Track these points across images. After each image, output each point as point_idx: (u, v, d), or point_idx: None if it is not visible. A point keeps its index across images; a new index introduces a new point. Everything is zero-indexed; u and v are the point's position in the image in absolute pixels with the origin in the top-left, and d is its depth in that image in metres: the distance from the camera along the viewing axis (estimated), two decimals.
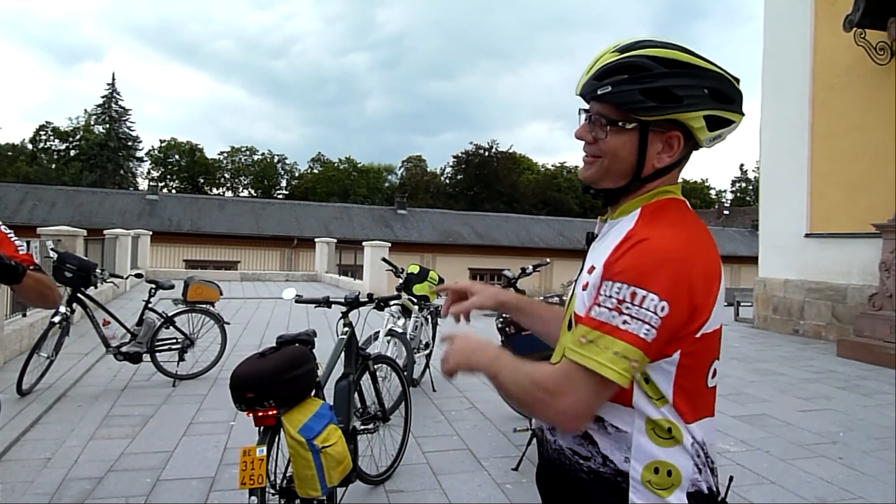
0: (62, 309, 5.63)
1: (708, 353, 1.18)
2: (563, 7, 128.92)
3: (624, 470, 1.17)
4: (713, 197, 72.58)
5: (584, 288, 1.20)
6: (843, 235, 9.71)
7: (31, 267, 1.95)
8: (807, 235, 10.39)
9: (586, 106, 1.27)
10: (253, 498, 2.42)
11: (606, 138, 1.21)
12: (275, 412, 2.52)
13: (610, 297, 1.10)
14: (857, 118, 9.56)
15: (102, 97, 55.75)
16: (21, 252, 2.01)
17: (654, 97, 1.16)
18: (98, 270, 5.91)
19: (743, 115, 1.23)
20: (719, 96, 1.19)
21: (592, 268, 1.20)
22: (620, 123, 1.20)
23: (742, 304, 13.24)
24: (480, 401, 5.68)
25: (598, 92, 1.20)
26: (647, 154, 1.21)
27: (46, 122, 55.96)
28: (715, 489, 1.21)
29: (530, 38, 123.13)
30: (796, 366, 7.75)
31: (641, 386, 1.15)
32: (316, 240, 22.98)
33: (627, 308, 1.08)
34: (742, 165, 45.50)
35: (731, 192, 72.48)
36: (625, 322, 1.07)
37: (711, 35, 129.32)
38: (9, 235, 2.04)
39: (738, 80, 1.23)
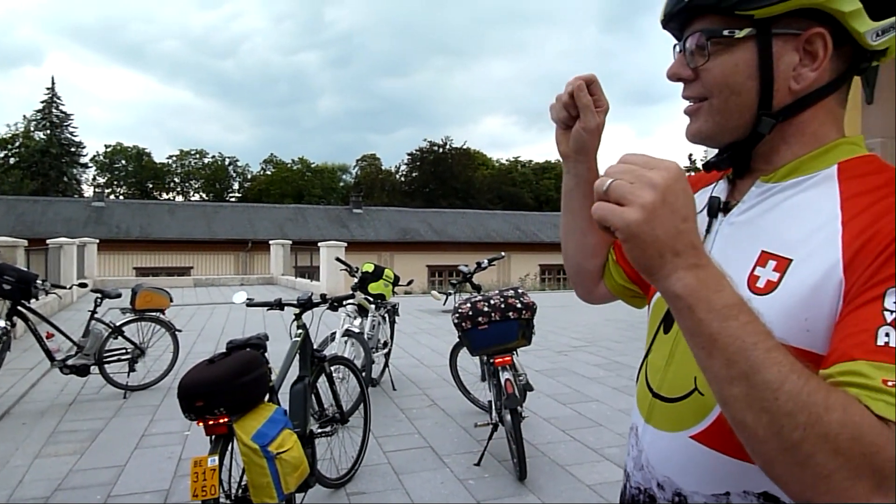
0: (1, 323, 5.40)
1: None
2: (514, 2, 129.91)
3: None
4: None
5: (768, 288, 0.78)
6: None
7: None
8: None
9: (676, 41, 0.92)
10: None
11: (709, 62, 0.83)
12: (226, 420, 2.45)
13: None
14: None
15: (42, 102, 53.78)
16: None
17: None
18: (39, 281, 5.68)
19: None
20: None
21: (779, 258, 0.79)
22: (727, 32, 0.81)
23: None
24: (441, 398, 5.65)
25: None
26: (777, 72, 0.81)
27: None
28: None
29: (482, 34, 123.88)
30: None
31: None
32: (271, 242, 22.64)
33: None
34: (691, 155, 46.54)
35: None
36: None
37: (657, 27, 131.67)
38: None
39: None
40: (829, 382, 0.66)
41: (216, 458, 2.39)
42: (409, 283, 6.92)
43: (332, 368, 3.84)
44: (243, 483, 2.61)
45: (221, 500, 2.46)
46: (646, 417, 0.94)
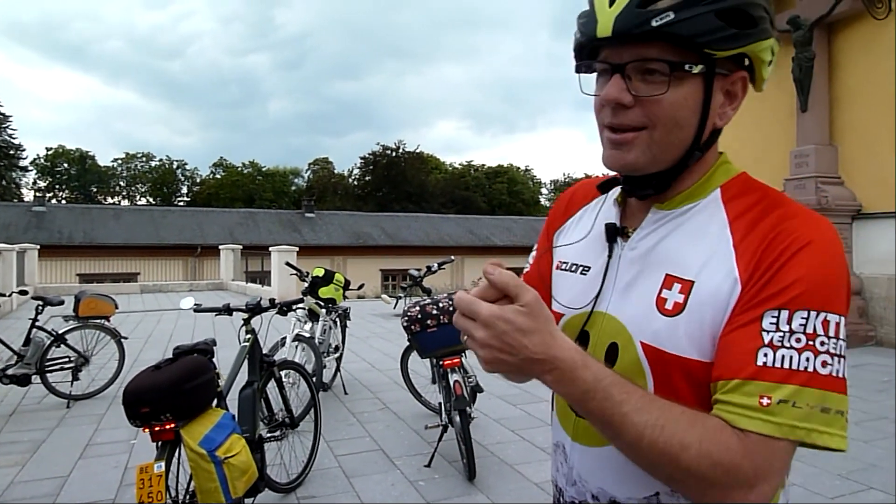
0: None
1: None
2: (467, 7, 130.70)
3: None
4: None
5: (675, 311, 0.84)
6: None
7: None
8: None
9: (589, 61, 0.91)
10: None
11: (666, 94, 0.83)
12: (172, 426, 2.44)
13: (794, 332, 0.76)
14: (738, 113, 10.17)
15: None
16: None
17: (732, 22, 0.82)
18: None
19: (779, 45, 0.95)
20: (772, 17, 0.88)
21: (682, 281, 0.85)
22: (688, 66, 0.82)
23: None
24: (392, 401, 5.69)
25: (655, 23, 0.80)
26: (711, 109, 0.86)
27: None
28: None
29: (435, 38, 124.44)
30: None
31: None
32: (220, 247, 22.27)
33: (824, 344, 0.76)
34: None
35: None
36: (824, 364, 0.75)
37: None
38: None
39: None
40: (715, 400, 0.78)
41: (162, 464, 2.39)
42: (360, 287, 6.94)
43: (283, 373, 3.84)
44: (191, 489, 2.60)
45: None
46: (572, 436, 0.99)
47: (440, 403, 4.26)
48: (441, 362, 4.05)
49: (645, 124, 0.84)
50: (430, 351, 4.07)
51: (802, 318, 0.76)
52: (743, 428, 0.73)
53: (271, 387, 3.68)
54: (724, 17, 0.81)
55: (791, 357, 0.75)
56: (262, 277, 19.12)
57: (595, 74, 0.91)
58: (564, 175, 78.13)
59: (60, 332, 5.90)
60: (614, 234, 0.95)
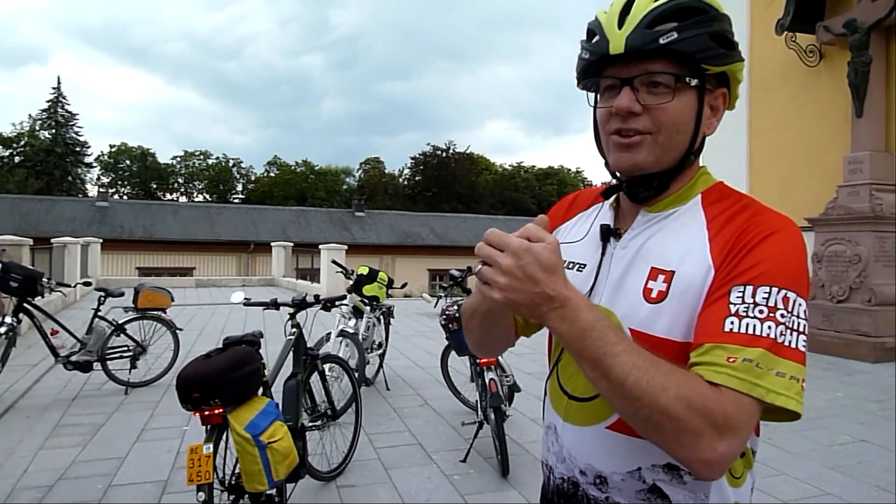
0: (8, 319, 5.57)
1: None
2: (518, 7, 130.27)
3: None
4: None
5: (659, 298, 0.96)
6: None
7: None
8: None
9: (595, 78, 1.05)
10: (201, 493, 2.51)
11: (670, 102, 0.96)
12: (220, 410, 2.62)
13: (757, 304, 0.86)
14: (791, 117, 10.00)
15: (48, 101, 54.12)
16: None
17: (721, 42, 0.98)
18: (44, 279, 5.86)
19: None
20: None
21: (665, 272, 0.97)
22: (688, 79, 0.97)
23: None
24: (432, 397, 5.82)
25: (663, 40, 0.94)
26: (703, 119, 1.01)
27: None
28: None
29: (487, 38, 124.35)
30: None
31: None
32: (272, 244, 22.83)
33: (784, 316, 0.86)
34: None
35: None
36: (783, 334, 0.85)
37: None
38: None
39: None
40: (690, 363, 0.88)
41: (211, 445, 2.57)
42: (403, 286, 7.09)
43: (326, 367, 4.01)
44: (236, 471, 2.78)
45: (216, 486, 2.63)
46: (563, 417, 1.10)
47: (477, 401, 4.37)
48: (478, 360, 4.16)
49: (651, 129, 0.98)
50: (467, 349, 4.17)
51: (765, 293, 0.87)
52: (713, 381, 0.83)
53: (315, 379, 3.85)
54: (715, 39, 0.97)
55: (754, 325, 0.85)
56: (312, 274, 19.53)
57: (594, 92, 1.06)
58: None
59: (120, 322, 6.22)
60: (608, 234, 1.08)
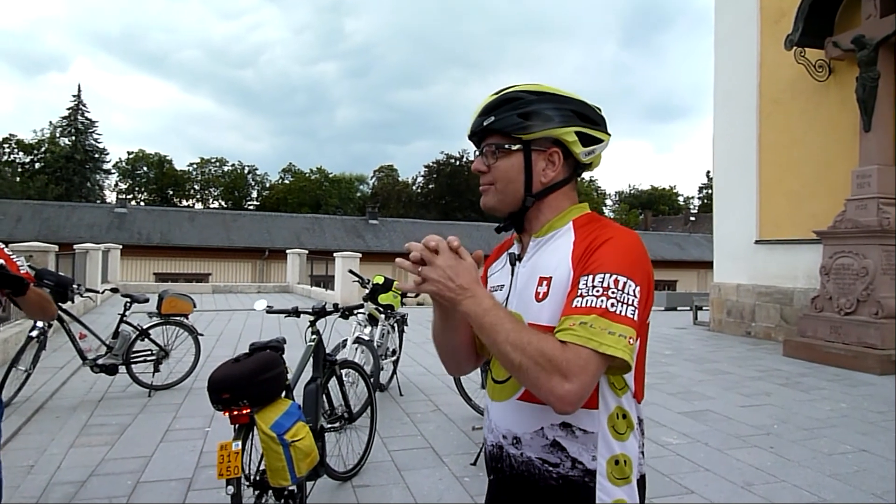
0: (39, 324, 5.83)
1: (646, 338, 1.35)
2: (532, 15, 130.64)
3: (591, 469, 1.28)
4: (681, 203, 74.07)
5: (543, 297, 1.31)
6: (789, 242, 10.26)
7: (33, 283, 2.24)
8: (757, 242, 10.94)
9: (477, 149, 1.46)
10: (230, 487, 2.71)
11: (497, 163, 1.37)
12: (248, 411, 2.82)
13: (594, 286, 1.20)
14: (800, 131, 10.13)
15: (68, 109, 55.16)
16: (22, 271, 2.30)
17: (530, 118, 1.34)
18: (75, 286, 6.11)
19: (609, 135, 1.43)
20: (584, 118, 1.38)
21: (546, 278, 1.32)
22: (507, 146, 1.36)
23: (702, 307, 13.75)
24: (444, 403, 6.00)
25: (485, 124, 1.37)
26: (534, 172, 1.36)
27: (10, 135, 55.17)
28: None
29: (500, 47, 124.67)
30: (744, 365, 8.22)
31: (608, 377, 1.28)
32: (287, 251, 23.14)
33: (614, 293, 1.19)
34: (708, 172, 46.65)
35: (699, 198, 73.96)
36: (613, 305, 1.17)
37: (676, 44, 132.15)
38: (11, 256, 2.33)
39: (599, 109, 1.43)
40: (553, 333, 1.22)
41: (239, 442, 2.77)
42: (417, 294, 7.27)
43: (343, 372, 4.21)
44: (261, 467, 2.98)
45: (242, 481, 2.83)
46: (491, 397, 1.45)
47: None
48: (488, 366, 4.33)
49: (492, 181, 1.40)
50: None
51: (601, 278, 1.21)
52: (562, 340, 1.18)
53: (333, 384, 4.05)
54: (523, 116, 1.35)
55: (591, 300, 1.19)
56: (326, 281, 19.80)
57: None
58: (630, 186, 77.14)
59: (145, 326, 6.47)
60: (514, 260, 1.45)
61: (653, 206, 69.40)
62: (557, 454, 1.29)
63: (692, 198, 76.35)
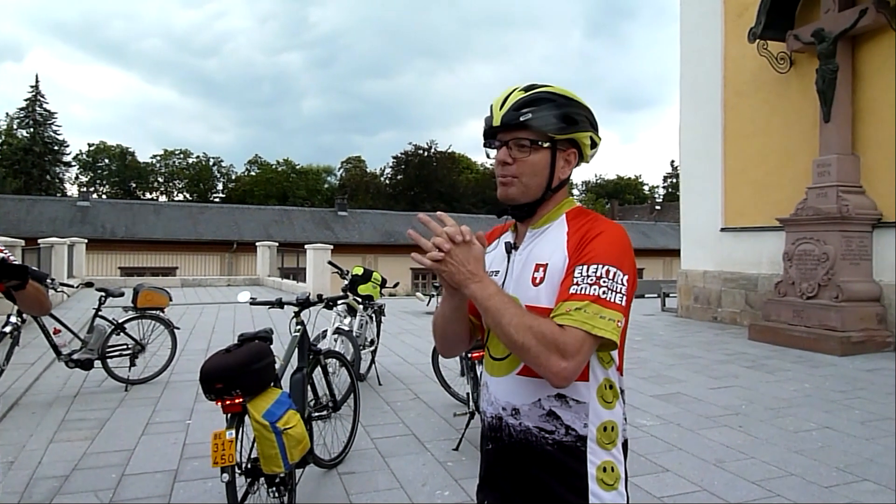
0: (13, 319, 5.74)
1: (628, 318, 1.44)
2: (498, 6, 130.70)
3: (584, 434, 1.42)
4: (646, 192, 75.09)
5: (539, 282, 1.44)
6: (753, 229, 10.57)
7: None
8: (722, 229, 11.23)
9: (491, 139, 1.54)
10: (225, 474, 2.77)
11: (529, 157, 1.46)
12: (241, 400, 2.87)
13: (588, 276, 1.34)
14: (763, 122, 10.42)
15: (26, 100, 53.56)
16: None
17: (565, 120, 1.46)
18: (49, 280, 6.03)
19: (601, 139, 1.58)
20: (593, 123, 1.53)
21: (543, 265, 1.45)
22: (540, 143, 1.46)
23: (669, 294, 14.06)
24: (423, 392, 6.10)
25: (522, 119, 1.44)
26: (556, 168, 1.49)
27: None
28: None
29: (466, 37, 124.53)
30: (712, 349, 8.47)
31: (597, 353, 1.42)
32: (257, 243, 22.94)
33: (605, 282, 1.33)
34: (673, 161, 47.47)
35: (664, 187, 75.05)
36: (604, 293, 1.32)
37: (639, 34, 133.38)
38: (4, 250, 2.33)
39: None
40: (550, 315, 1.35)
41: (233, 431, 2.82)
42: (395, 285, 7.36)
43: (326, 361, 4.27)
44: (253, 456, 3.03)
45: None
46: (490, 373, 1.57)
47: (468, 393, 4.65)
48: (469, 355, 4.44)
49: (517, 174, 1.48)
50: None
51: (594, 268, 1.35)
52: (560, 323, 1.31)
53: (318, 374, 4.11)
54: (558, 118, 1.46)
55: (585, 288, 1.33)
56: (297, 273, 19.70)
57: (494, 149, 1.56)
58: (597, 176, 77.79)
59: (121, 321, 6.42)
60: (510, 248, 1.57)
61: (619, 195, 70.19)
62: (553, 422, 1.42)
63: (657, 187, 77.47)
